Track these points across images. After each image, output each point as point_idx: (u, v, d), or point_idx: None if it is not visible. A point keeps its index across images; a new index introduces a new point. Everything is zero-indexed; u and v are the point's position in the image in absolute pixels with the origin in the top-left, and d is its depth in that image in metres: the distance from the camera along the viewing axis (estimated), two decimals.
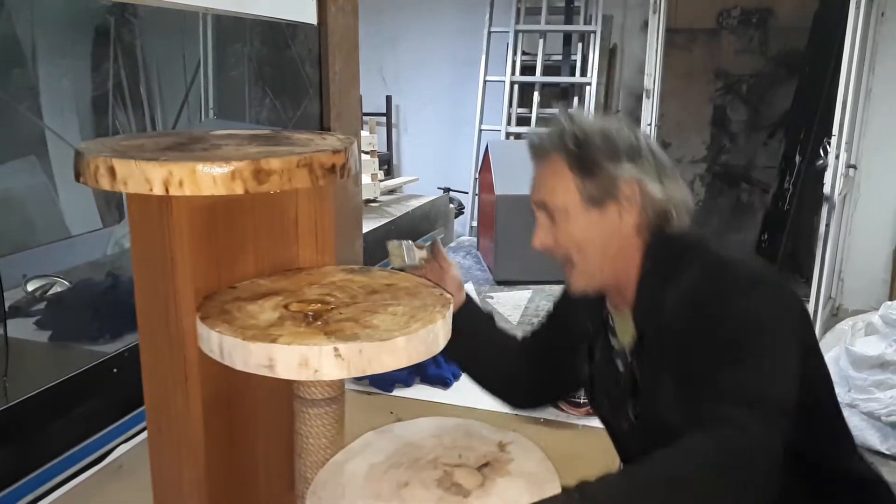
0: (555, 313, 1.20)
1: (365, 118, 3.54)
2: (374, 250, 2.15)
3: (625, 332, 1.03)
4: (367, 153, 2.56)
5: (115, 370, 1.32)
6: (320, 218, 0.96)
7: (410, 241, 1.17)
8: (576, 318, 1.13)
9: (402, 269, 1.12)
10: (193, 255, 0.82)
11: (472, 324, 1.14)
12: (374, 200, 2.76)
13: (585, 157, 0.96)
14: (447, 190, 3.96)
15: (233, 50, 3.01)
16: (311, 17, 1.78)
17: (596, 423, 1.33)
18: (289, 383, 0.84)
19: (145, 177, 0.72)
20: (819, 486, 1.00)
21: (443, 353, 1.12)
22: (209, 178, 0.72)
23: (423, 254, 1.16)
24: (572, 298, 1.12)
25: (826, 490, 1.00)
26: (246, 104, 3.02)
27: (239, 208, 0.88)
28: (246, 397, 0.92)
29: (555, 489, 0.77)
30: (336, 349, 0.71)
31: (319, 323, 0.78)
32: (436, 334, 0.78)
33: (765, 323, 0.88)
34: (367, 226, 2.34)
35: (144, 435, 1.30)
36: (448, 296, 0.87)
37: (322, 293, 0.87)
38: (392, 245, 1.15)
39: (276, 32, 2.84)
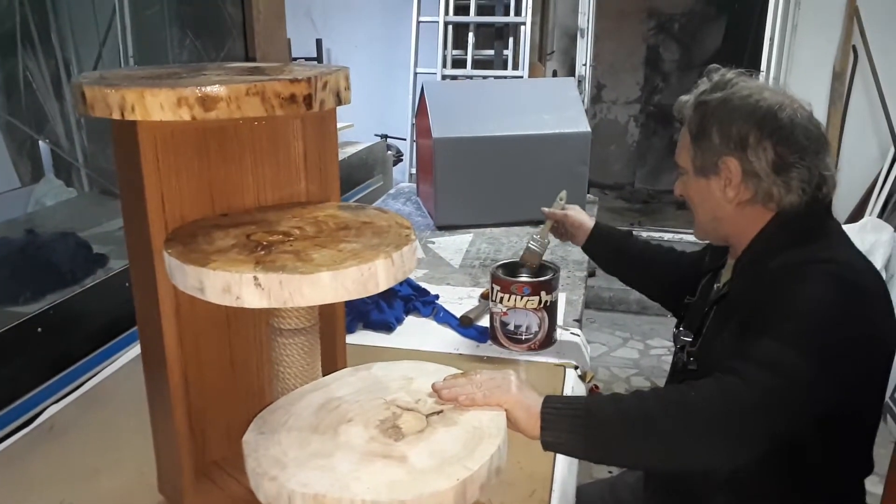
0: (702, 251, 1.31)
1: (294, 62, 3.40)
2: None
3: (723, 280, 1.12)
4: None
5: (39, 329, 1.26)
6: (323, 152, 0.98)
7: (533, 241, 1.41)
8: (701, 264, 1.26)
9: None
10: (165, 178, 0.85)
11: (602, 244, 1.41)
12: None
13: (703, 124, 1.04)
14: (384, 137, 3.89)
15: None
16: None
17: (537, 358, 1.36)
18: (266, 312, 0.87)
19: (105, 102, 0.76)
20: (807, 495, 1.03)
21: (598, 262, 1.49)
22: (156, 103, 0.74)
23: (547, 236, 1.44)
24: (704, 251, 1.27)
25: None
26: (167, 47, 2.86)
27: (235, 138, 0.92)
28: (229, 318, 0.96)
29: (492, 445, 0.76)
30: (255, 278, 0.72)
31: (262, 253, 0.78)
32: (374, 273, 0.75)
33: (830, 320, 0.90)
34: None
35: (75, 395, 1.26)
36: (410, 234, 0.84)
37: (293, 226, 0.87)
38: (528, 253, 1.41)
39: None
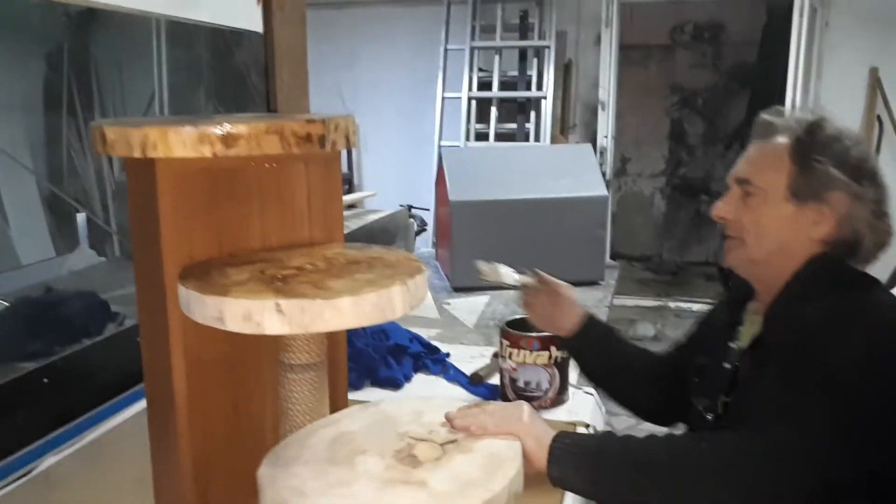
0: (697, 329, 1.20)
1: None
2: None
3: (748, 332, 1.02)
4: None
5: (45, 380, 1.26)
6: (327, 197, 1.00)
7: (498, 264, 1.27)
8: (713, 327, 1.13)
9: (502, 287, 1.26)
10: (179, 218, 0.86)
11: (595, 338, 1.21)
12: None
13: (810, 149, 0.93)
14: (409, 207, 3.94)
15: (183, 60, 2.98)
16: (256, 26, 1.75)
17: (548, 415, 1.31)
18: (275, 350, 0.87)
19: (126, 140, 0.78)
20: None
21: (580, 362, 1.25)
22: (179, 140, 0.76)
23: (525, 278, 1.24)
24: (717, 310, 1.16)
25: None
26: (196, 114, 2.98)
27: (243, 181, 0.93)
28: (233, 361, 0.95)
29: (511, 469, 0.76)
30: (277, 304, 0.72)
31: (280, 284, 0.79)
32: (391, 299, 0.76)
33: (865, 371, 0.83)
34: None
35: (75, 447, 1.25)
36: (420, 265, 0.85)
37: (305, 262, 0.88)
38: (480, 264, 1.27)
39: (221, 41, 2.82)
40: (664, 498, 0.80)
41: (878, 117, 3.71)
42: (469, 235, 2.17)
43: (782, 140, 0.96)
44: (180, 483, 0.90)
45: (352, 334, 1.54)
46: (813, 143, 0.94)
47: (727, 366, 1.02)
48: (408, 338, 1.58)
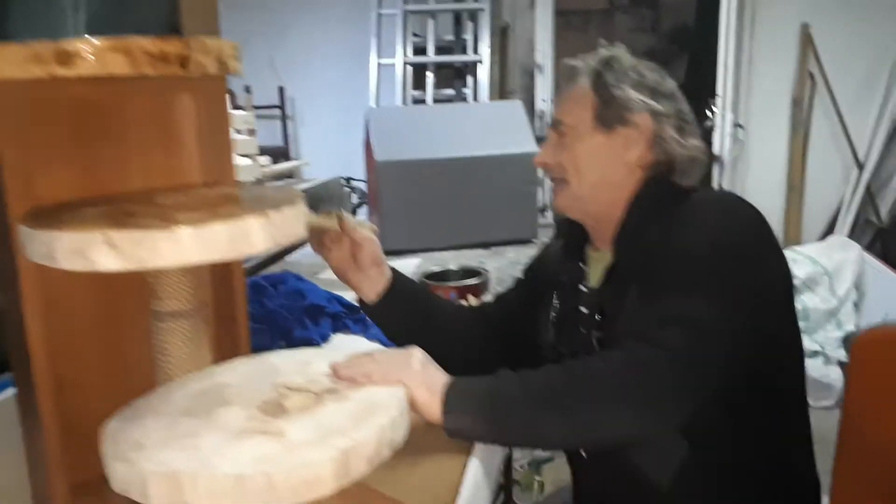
0: (525, 278, 1.17)
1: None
2: None
3: (597, 269, 1.00)
4: (240, 132, 2.43)
5: None
6: (216, 132, 0.91)
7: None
8: (546, 275, 1.10)
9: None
10: (25, 153, 0.77)
11: (404, 298, 1.08)
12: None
13: (609, 77, 0.96)
14: (348, 179, 3.85)
15: None
16: None
17: None
18: (144, 295, 0.80)
19: None
20: (747, 475, 0.94)
21: (385, 330, 1.09)
22: (10, 58, 0.68)
23: (321, 219, 1.02)
24: (543, 259, 1.13)
25: (751, 480, 0.94)
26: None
27: (118, 116, 0.86)
28: (107, 313, 0.88)
29: (386, 416, 0.70)
30: (107, 236, 0.64)
31: (125, 218, 0.71)
32: (246, 232, 0.68)
33: (729, 258, 0.85)
34: None
35: None
36: (296, 197, 0.77)
37: (175, 200, 0.80)
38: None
39: None
40: (567, 425, 0.77)
41: (811, 74, 3.74)
42: (397, 197, 2.11)
43: (584, 79, 1.00)
44: (48, 448, 0.83)
45: (263, 295, 1.48)
46: (610, 73, 0.98)
47: (584, 309, 1.00)
48: (326, 298, 1.52)
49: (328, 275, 1.89)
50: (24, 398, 0.86)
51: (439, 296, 1.18)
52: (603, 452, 0.97)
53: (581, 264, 1.04)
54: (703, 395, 0.80)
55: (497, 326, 1.14)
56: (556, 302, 1.06)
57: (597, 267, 1.01)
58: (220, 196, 0.83)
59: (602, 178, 0.97)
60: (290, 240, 0.74)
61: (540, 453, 2.14)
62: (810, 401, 1.02)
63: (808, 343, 2.95)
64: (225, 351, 0.93)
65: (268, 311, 1.41)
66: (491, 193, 2.14)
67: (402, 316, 1.07)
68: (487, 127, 2.26)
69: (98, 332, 0.90)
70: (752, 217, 0.89)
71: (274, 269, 1.86)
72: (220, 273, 1.00)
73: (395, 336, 1.10)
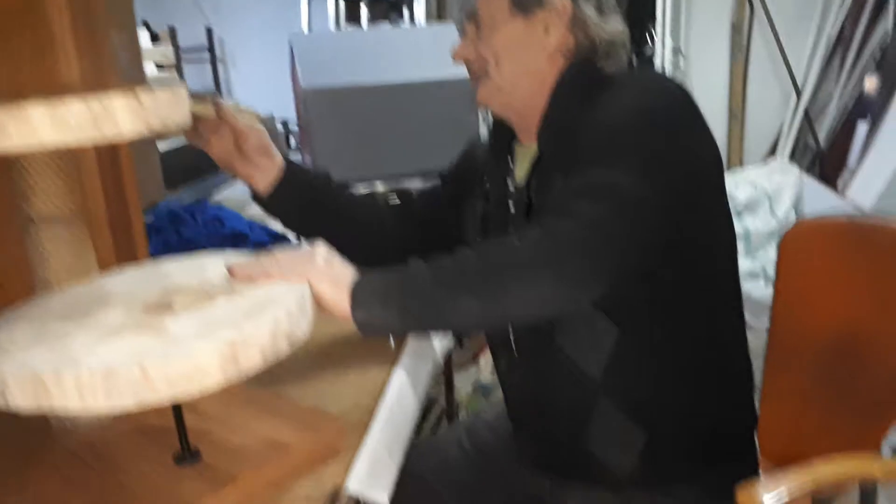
0: (449, 175, 1.10)
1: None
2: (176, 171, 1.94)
3: (523, 165, 0.94)
4: (162, 67, 2.30)
5: None
6: (92, 25, 0.83)
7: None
8: (471, 174, 1.04)
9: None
10: None
11: (302, 188, 0.99)
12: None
13: None
14: (285, 124, 3.73)
15: None
16: None
17: None
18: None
19: None
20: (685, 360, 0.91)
21: (285, 223, 1.01)
22: None
23: (198, 107, 0.90)
24: (468, 157, 1.07)
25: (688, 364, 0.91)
26: None
27: None
28: None
29: (281, 309, 0.64)
30: None
31: None
32: (109, 112, 0.61)
33: (651, 126, 0.80)
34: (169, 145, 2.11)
35: None
36: (179, 87, 0.70)
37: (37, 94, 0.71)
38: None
39: None
40: (481, 306, 0.72)
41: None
42: (327, 128, 2.02)
43: None
44: None
45: (180, 223, 1.40)
46: None
47: (512, 207, 0.95)
48: (248, 225, 1.45)
49: (254, 210, 1.82)
50: None
51: (347, 188, 1.08)
52: (533, 348, 0.93)
53: (508, 162, 0.99)
54: (624, 270, 0.76)
55: (418, 223, 1.08)
56: (481, 202, 1.01)
57: (523, 162, 0.96)
58: (94, 88, 0.75)
59: (523, 66, 0.92)
60: (165, 125, 0.66)
61: (484, 380, 2.13)
62: (750, 321, 1.01)
63: (749, 264, 3.00)
64: (122, 264, 0.87)
65: (185, 239, 1.33)
66: (428, 121, 2.07)
67: (301, 207, 1.00)
68: (423, 51, 2.17)
69: None
70: (678, 92, 0.85)
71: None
72: (111, 178, 0.92)
73: (298, 230, 1.04)
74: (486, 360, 2.21)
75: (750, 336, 0.99)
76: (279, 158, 0.99)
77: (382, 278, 0.74)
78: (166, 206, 1.45)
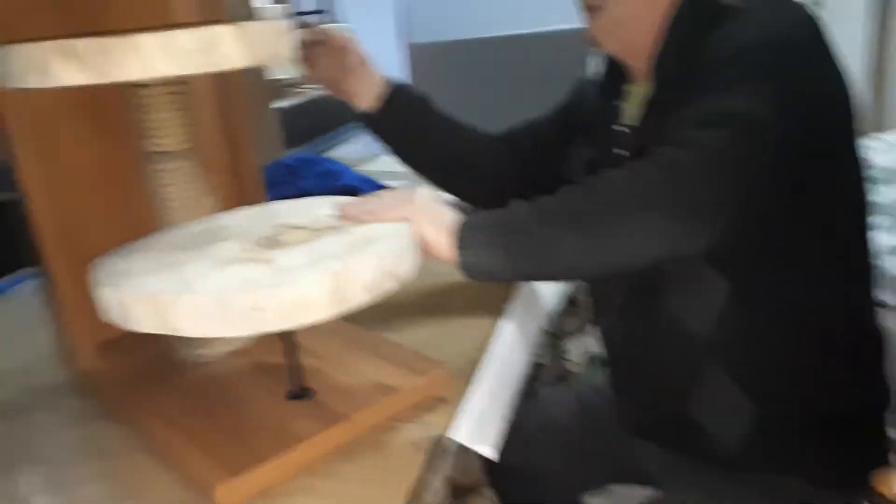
0: (559, 112, 1.04)
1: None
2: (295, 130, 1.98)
3: (634, 106, 0.88)
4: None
5: None
6: None
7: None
8: (581, 114, 0.98)
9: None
10: None
11: (406, 102, 0.97)
12: (295, 85, 2.51)
13: None
14: None
15: None
16: None
17: None
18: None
19: None
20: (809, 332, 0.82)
21: (389, 141, 1.00)
22: None
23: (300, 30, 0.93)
24: (578, 97, 1.01)
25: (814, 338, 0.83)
26: None
27: None
28: (107, 161, 0.86)
29: (387, 245, 0.64)
30: (67, 45, 0.57)
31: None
32: (215, 42, 0.61)
33: (778, 53, 0.72)
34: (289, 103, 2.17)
35: None
36: (281, 24, 0.69)
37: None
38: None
39: None
40: (588, 245, 0.68)
41: None
42: (432, 83, 2.00)
43: None
44: (61, 303, 0.81)
45: (297, 176, 1.43)
46: None
47: (621, 151, 0.87)
48: (360, 179, 1.46)
49: (369, 167, 1.84)
50: (40, 261, 0.84)
51: (451, 114, 1.03)
52: (636, 306, 0.88)
53: (619, 105, 0.91)
54: (742, 203, 0.69)
55: (522, 160, 1.03)
56: (588, 146, 0.95)
57: (634, 105, 0.89)
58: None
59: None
60: (270, 57, 0.66)
61: (597, 349, 2.07)
62: (890, 300, 0.89)
63: (890, 239, 2.75)
64: (236, 199, 0.91)
65: (301, 190, 1.36)
66: (536, 76, 2.01)
67: (406, 123, 0.98)
68: (530, 3, 2.10)
69: (104, 180, 0.87)
70: (808, 18, 0.75)
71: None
72: (228, 121, 0.94)
73: (401, 153, 1.01)
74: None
75: (889, 316, 0.88)
76: (381, 74, 0.97)
77: (486, 219, 0.71)
78: (283, 161, 1.49)
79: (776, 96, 0.69)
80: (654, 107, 0.83)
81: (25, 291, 1.17)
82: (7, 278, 1.24)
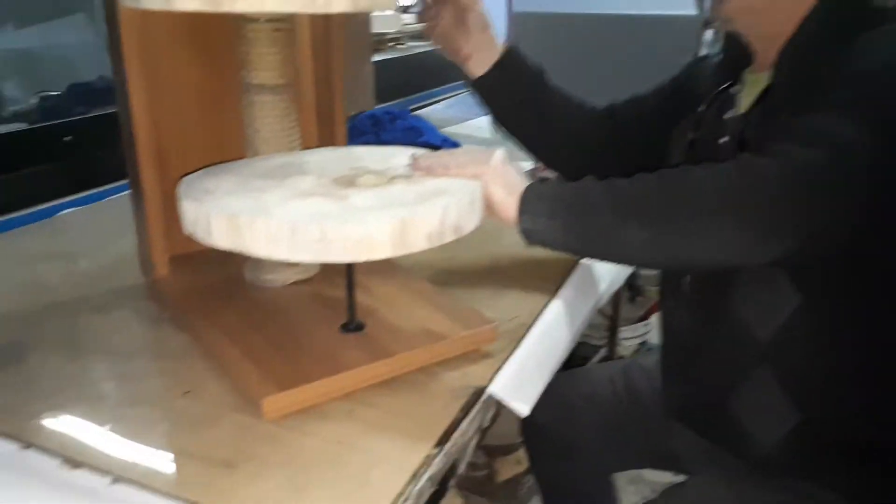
0: (667, 86, 1.02)
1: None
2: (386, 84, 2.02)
3: (750, 94, 0.84)
4: None
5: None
6: None
7: None
8: (691, 92, 0.95)
9: None
10: None
11: (517, 71, 0.96)
12: (395, 40, 2.55)
13: None
14: None
15: None
16: None
17: None
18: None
19: None
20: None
21: (494, 107, 1.00)
22: None
23: None
24: (693, 73, 0.98)
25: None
26: None
27: None
28: (207, 87, 0.91)
29: (453, 200, 0.66)
30: None
31: None
32: None
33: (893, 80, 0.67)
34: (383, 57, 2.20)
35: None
36: None
37: None
38: None
39: None
40: (651, 237, 0.68)
41: None
42: (533, 54, 1.99)
43: None
44: (148, 215, 0.88)
45: (380, 128, 1.47)
46: None
47: (725, 139, 0.84)
48: (441, 139, 1.49)
49: (455, 129, 1.86)
50: (131, 173, 0.90)
51: (559, 86, 1.02)
52: (704, 294, 0.87)
53: (734, 89, 0.87)
54: (821, 227, 0.67)
55: (624, 132, 1.01)
56: (693, 127, 0.92)
57: (750, 93, 0.84)
58: None
59: None
60: (374, 4, 0.69)
61: (651, 341, 2.06)
62: None
63: None
64: (322, 138, 0.96)
65: (382, 142, 1.40)
66: (643, 60, 1.96)
67: (518, 91, 0.96)
68: None
69: (199, 106, 0.92)
70: None
71: None
72: (323, 63, 0.98)
73: (504, 121, 1.01)
74: (656, 320, 2.13)
75: None
76: (498, 41, 0.96)
77: (554, 190, 0.73)
78: (370, 111, 1.53)
79: (882, 126, 0.66)
80: (769, 99, 0.79)
81: (124, 199, 1.27)
82: (112, 185, 1.33)
